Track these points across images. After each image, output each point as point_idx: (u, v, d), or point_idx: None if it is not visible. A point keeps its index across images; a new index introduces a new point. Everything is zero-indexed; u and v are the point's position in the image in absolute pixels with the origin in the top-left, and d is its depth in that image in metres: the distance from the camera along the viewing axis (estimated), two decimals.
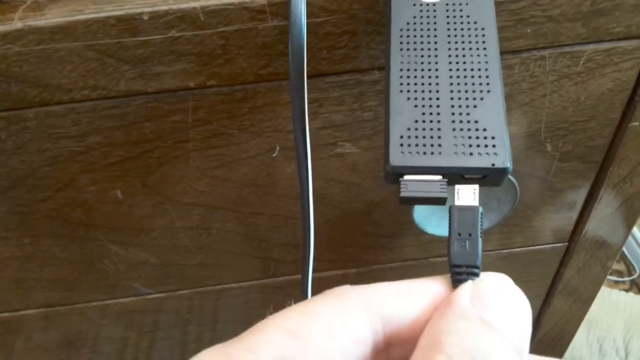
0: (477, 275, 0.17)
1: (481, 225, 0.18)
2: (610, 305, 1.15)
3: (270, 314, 0.16)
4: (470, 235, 0.18)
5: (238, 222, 0.38)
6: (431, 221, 0.37)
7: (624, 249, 1.36)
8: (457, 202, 0.19)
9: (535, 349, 0.56)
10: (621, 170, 0.37)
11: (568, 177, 0.38)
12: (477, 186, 0.20)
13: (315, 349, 0.15)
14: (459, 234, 0.18)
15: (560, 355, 0.59)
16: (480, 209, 0.19)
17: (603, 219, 0.41)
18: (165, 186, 0.34)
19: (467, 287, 0.16)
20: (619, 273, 1.32)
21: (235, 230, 0.38)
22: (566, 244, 0.44)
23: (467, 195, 0.19)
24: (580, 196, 0.40)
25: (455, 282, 0.17)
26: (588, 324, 1.11)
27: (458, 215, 0.19)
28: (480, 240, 0.18)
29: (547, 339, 0.55)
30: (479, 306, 0.16)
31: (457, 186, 0.20)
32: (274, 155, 0.33)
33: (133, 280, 0.41)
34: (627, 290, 1.24)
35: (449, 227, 0.19)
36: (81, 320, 0.44)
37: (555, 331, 0.54)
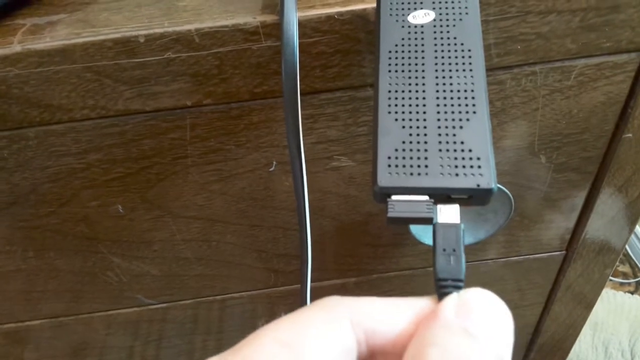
0: (461, 288, 0.18)
1: (463, 241, 0.19)
2: (616, 308, 1.15)
3: (263, 325, 0.17)
4: (454, 250, 0.19)
5: (237, 234, 0.38)
6: (427, 232, 0.38)
7: (629, 250, 1.35)
8: (440, 220, 0.20)
9: (537, 354, 0.56)
10: (616, 180, 0.38)
11: (563, 188, 0.39)
12: (457, 205, 0.20)
13: (307, 358, 0.16)
14: (444, 249, 0.19)
15: (563, 359, 0.59)
16: (462, 226, 0.19)
17: (600, 227, 0.42)
18: (165, 200, 0.35)
19: (452, 298, 0.17)
20: (624, 275, 1.31)
21: (235, 242, 0.39)
22: (564, 252, 0.44)
23: (449, 212, 0.20)
24: (576, 206, 0.40)
25: (441, 295, 0.18)
26: (593, 327, 1.11)
27: (442, 232, 0.19)
28: (463, 255, 0.19)
29: (549, 345, 0.55)
30: (463, 317, 0.16)
31: (439, 205, 0.20)
32: (271, 169, 0.34)
33: (136, 291, 0.42)
34: (632, 293, 1.24)
35: (433, 243, 0.19)
36: (86, 330, 0.45)
37: (556, 337, 0.55)
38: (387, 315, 0.17)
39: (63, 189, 0.33)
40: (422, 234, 0.38)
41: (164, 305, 0.44)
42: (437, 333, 0.16)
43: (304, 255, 0.32)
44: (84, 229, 0.36)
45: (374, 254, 0.42)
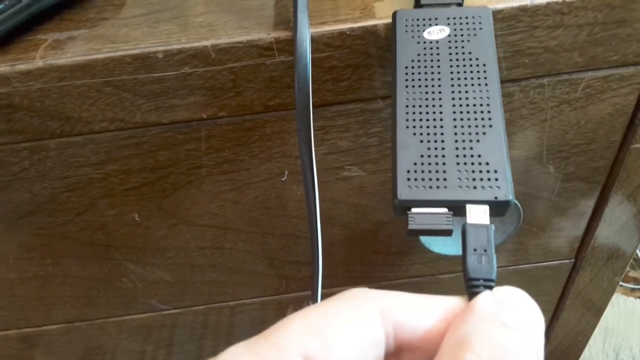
0: (492, 288, 0.18)
1: (494, 242, 0.19)
2: (627, 314, 1.15)
3: (290, 313, 0.17)
4: (485, 251, 0.19)
5: (250, 241, 0.39)
6: (436, 240, 0.38)
7: None
8: (470, 221, 0.20)
9: None
10: (624, 190, 0.38)
11: (572, 197, 0.39)
12: (487, 206, 0.20)
13: (337, 348, 0.16)
14: (475, 250, 0.19)
15: None
16: (493, 227, 0.19)
17: (609, 235, 0.42)
18: (179, 209, 0.36)
19: (487, 294, 0.17)
20: (635, 280, 1.31)
21: (247, 250, 0.40)
22: (573, 260, 0.45)
23: (478, 213, 0.20)
24: (584, 215, 0.41)
25: (471, 295, 0.18)
26: (604, 333, 1.11)
27: (473, 232, 0.19)
28: (495, 255, 0.19)
29: (558, 351, 0.56)
30: (499, 310, 0.17)
31: (468, 205, 0.20)
32: (283, 179, 0.35)
33: (150, 297, 0.42)
34: None
35: (463, 244, 0.19)
36: (100, 335, 0.46)
37: (566, 343, 0.55)
38: (418, 310, 0.17)
39: (81, 198, 0.34)
40: (431, 242, 0.39)
41: (177, 310, 0.45)
42: (476, 324, 0.16)
43: (314, 263, 0.33)
44: (101, 237, 0.37)
45: (384, 262, 0.43)
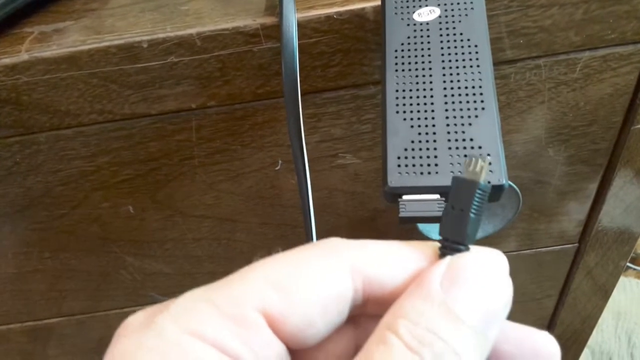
0: (461, 251, 0.16)
1: (479, 203, 0.17)
2: (639, 297, 1.14)
3: (258, 259, 0.16)
4: (462, 210, 0.17)
5: (246, 232, 0.39)
6: (434, 228, 0.38)
7: None
8: (462, 174, 0.17)
9: None
10: (627, 172, 0.37)
11: (573, 181, 0.38)
12: (486, 163, 0.18)
13: (299, 303, 0.15)
14: (452, 207, 0.17)
15: (580, 350, 0.59)
16: (482, 186, 0.17)
17: (613, 218, 0.41)
18: (174, 201, 0.36)
19: (442, 265, 0.16)
20: None
21: (244, 240, 0.39)
22: (576, 245, 0.44)
23: (474, 169, 0.18)
24: (587, 198, 0.40)
25: (441, 256, 0.16)
26: (616, 317, 1.10)
27: (456, 186, 0.17)
28: (471, 217, 0.17)
29: (565, 336, 0.55)
30: (447, 287, 0.15)
31: (469, 156, 0.18)
32: (277, 168, 0.34)
33: (149, 289, 0.42)
34: None
35: (448, 197, 0.18)
36: (104, 328, 0.46)
37: (572, 328, 0.54)
38: (390, 265, 0.16)
39: (75, 191, 0.34)
40: (430, 229, 0.38)
41: None
42: (414, 304, 0.15)
43: None
44: (97, 230, 0.37)
45: None
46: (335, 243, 0.17)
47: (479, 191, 0.17)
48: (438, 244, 0.17)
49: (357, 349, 0.16)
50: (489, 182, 0.20)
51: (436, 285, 0.15)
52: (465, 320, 0.15)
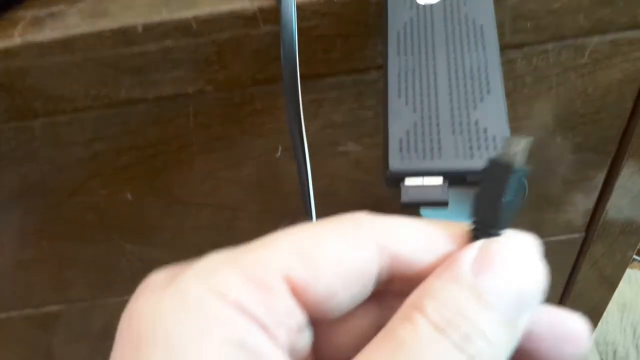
0: (494, 235, 0.16)
1: (515, 186, 0.16)
2: None
3: (283, 229, 0.16)
4: (496, 193, 0.16)
5: (247, 220, 0.38)
6: (438, 213, 0.37)
7: None
8: (495, 157, 0.16)
9: None
10: (636, 160, 0.36)
11: (581, 168, 0.37)
12: (526, 144, 0.17)
13: (323, 273, 0.15)
14: (485, 189, 0.16)
15: None
16: (519, 168, 0.16)
17: (621, 208, 0.40)
18: (172, 188, 0.35)
19: (473, 249, 0.15)
20: None
21: (245, 228, 0.39)
22: (583, 234, 0.43)
23: (515, 149, 0.16)
24: (595, 187, 0.39)
25: (473, 239, 0.16)
26: (622, 308, 1.09)
27: (491, 168, 0.16)
28: (504, 202, 0.15)
29: None
30: (478, 271, 0.15)
31: (506, 138, 0.18)
32: (277, 155, 0.34)
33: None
34: None
35: (482, 178, 0.16)
36: (106, 315, 0.46)
37: None
38: (419, 244, 0.16)
39: (72, 178, 0.33)
40: (434, 216, 0.37)
41: None
42: (443, 285, 0.15)
43: None
44: (95, 217, 0.36)
45: None
46: (362, 218, 0.16)
47: (516, 173, 0.16)
48: (468, 226, 0.16)
49: (379, 328, 0.15)
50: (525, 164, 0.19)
51: (467, 268, 0.15)
52: (496, 306, 0.14)
